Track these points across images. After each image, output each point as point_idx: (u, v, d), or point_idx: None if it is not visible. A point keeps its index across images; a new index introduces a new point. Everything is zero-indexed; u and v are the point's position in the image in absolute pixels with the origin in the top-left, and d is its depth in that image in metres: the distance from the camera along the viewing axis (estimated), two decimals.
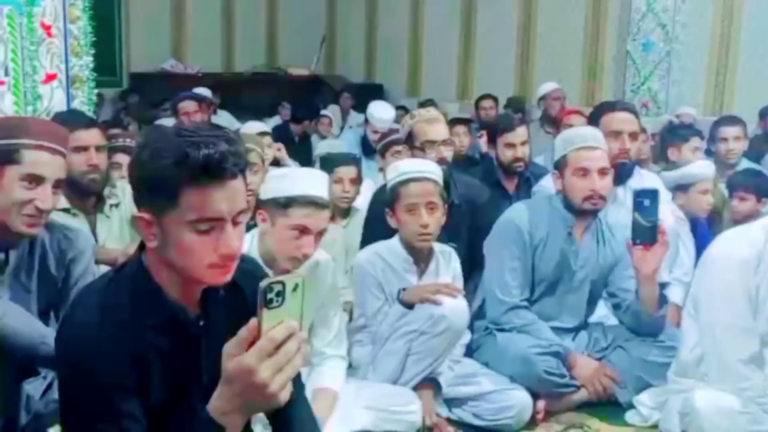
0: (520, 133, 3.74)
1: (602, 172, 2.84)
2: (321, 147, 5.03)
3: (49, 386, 2.24)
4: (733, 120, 4.53)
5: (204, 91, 6.44)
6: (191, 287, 1.44)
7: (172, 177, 1.32)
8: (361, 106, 6.92)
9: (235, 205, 1.37)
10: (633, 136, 3.33)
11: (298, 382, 1.56)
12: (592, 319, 3.10)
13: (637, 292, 2.81)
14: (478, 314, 3.02)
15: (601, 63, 7.35)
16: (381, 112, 5.57)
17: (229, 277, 1.42)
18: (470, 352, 2.96)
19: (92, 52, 3.46)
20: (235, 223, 1.38)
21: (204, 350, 1.45)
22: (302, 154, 5.98)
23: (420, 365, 2.64)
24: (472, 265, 3.15)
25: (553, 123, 5.87)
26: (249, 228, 2.20)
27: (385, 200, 2.83)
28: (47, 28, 3.29)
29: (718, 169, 3.94)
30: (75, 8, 3.36)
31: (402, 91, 9.40)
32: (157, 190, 1.35)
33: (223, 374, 1.26)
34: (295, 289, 1.22)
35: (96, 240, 2.86)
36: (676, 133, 4.50)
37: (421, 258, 2.80)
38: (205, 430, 1.28)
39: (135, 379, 1.37)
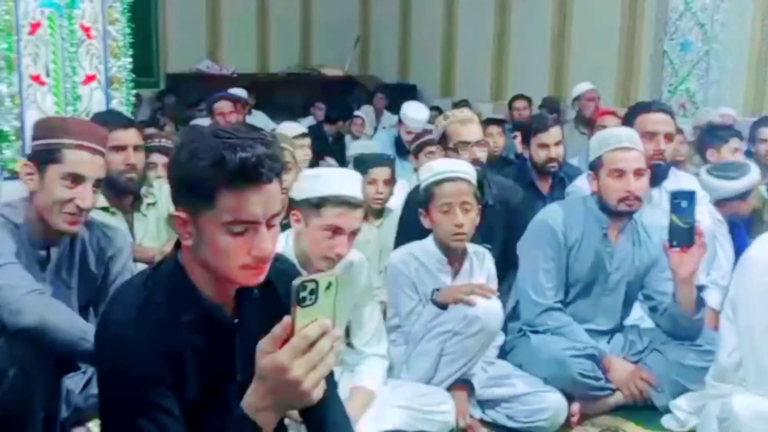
0: (553, 133, 3.72)
1: (638, 173, 2.81)
2: (354, 147, 5.03)
3: (89, 381, 2.30)
4: None
5: (239, 92, 6.50)
6: (225, 286, 1.45)
7: (208, 179, 1.33)
8: (394, 107, 6.90)
9: (269, 208, 1.38)
10: (668, 137, 3.27)
11: (331, 381, 1.57)
12: (628, 321, 3.06)
13: (674, 294, 2.77)
14: (511, 316, 3.00)
15: (638, 63, 7.26)
16: (414, 112, 5.55)
17: (261, 279, 1.43)
18: (504, 353, 2.94)
19: (130, 53, 3.50)
20: (269, 226, 1.39)
21: (238, 348, 1.46)
22: (336, 155, 6.01)
23: (453, 366, 2.64)
24: (506, 266, 3.13)
25: (588, 124, 5.83)
26: (283, 228, 2.21)
27: (419, 201, 2.82)
28: (87, 30, 3.34)
29: None
30: (114, 10, 3.42)
31: (436, 91, 9.36)
32: (193, 190, 1.36)
33: (257, 371, 1.26)
34: (328, 288, 1.23)
35: (133, 238, 2.90)
36: (715, 135, 4.41)
37: (455, 258, 2.79)
38: (239, 428, 1.29)
39: (171, 376, 1.39)
